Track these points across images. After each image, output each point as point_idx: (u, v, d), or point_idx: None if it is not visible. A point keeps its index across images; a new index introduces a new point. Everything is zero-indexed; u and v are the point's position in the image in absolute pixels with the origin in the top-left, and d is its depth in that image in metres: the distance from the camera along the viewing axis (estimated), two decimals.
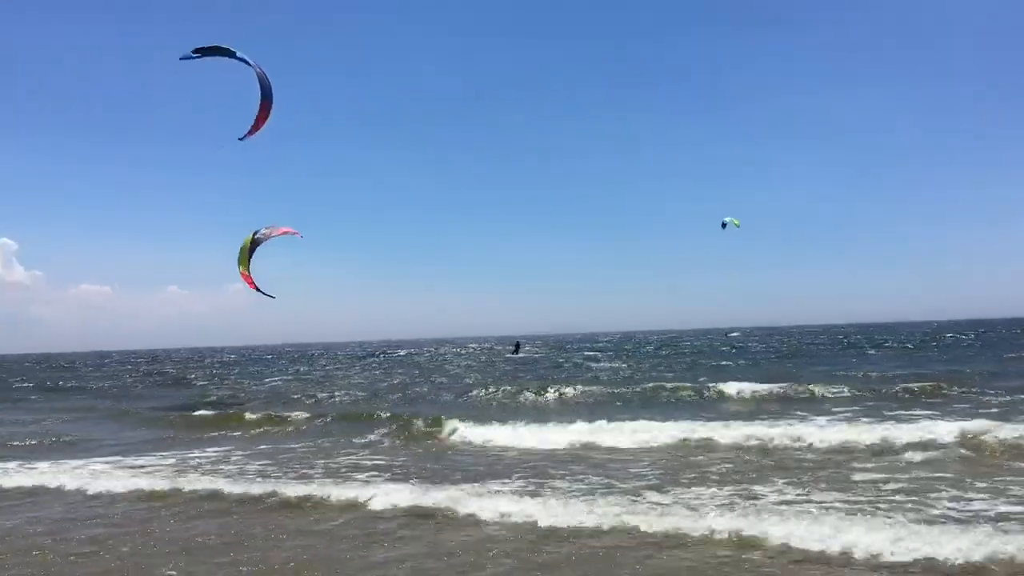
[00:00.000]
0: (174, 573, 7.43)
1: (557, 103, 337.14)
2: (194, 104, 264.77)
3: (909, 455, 11.63)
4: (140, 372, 55.81)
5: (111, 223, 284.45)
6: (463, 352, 75.04)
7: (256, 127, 11.38)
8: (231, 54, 10.81)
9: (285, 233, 13.65)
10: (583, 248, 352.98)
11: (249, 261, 13.58)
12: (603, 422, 15.77)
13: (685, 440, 14.01)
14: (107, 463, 14.18)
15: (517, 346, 66.80)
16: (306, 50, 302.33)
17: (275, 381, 38.23)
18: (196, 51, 10.85)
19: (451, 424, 16.63)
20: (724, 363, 40.02)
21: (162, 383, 42.28)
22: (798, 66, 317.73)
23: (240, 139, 11.42)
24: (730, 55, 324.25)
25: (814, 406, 18.80)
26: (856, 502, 9.00)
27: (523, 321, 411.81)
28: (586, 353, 59.92)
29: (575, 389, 24.73)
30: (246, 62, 11.09)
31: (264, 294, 13.98)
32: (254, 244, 13.50)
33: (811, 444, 13.01)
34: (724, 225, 29.95)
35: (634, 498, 9.61)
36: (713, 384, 23.80)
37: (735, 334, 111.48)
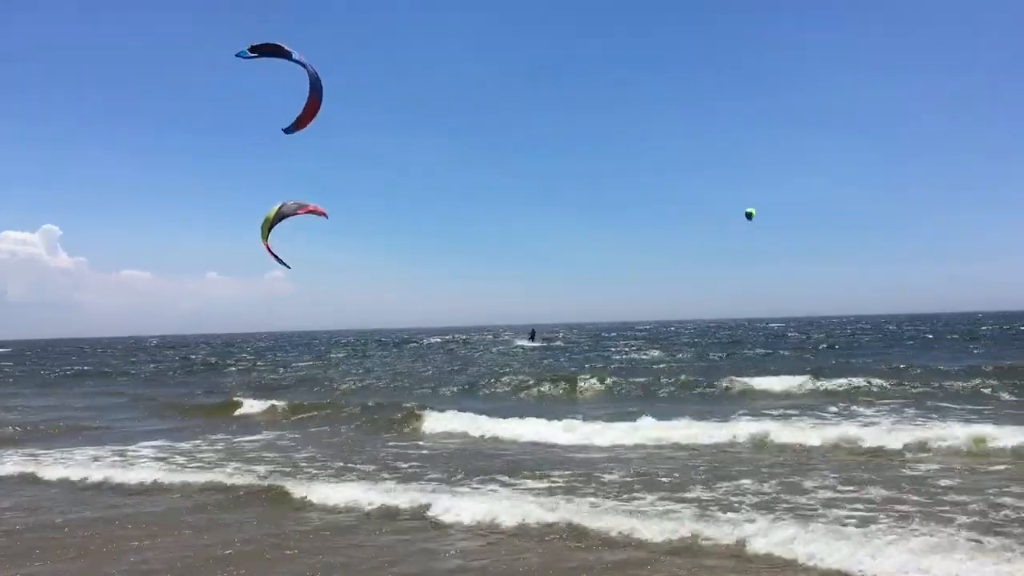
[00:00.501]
0: None
1: (587, 93, 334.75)
2: (235, 94, 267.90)
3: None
4: (196, 360, 52.92)
5: (153, 210, 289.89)
6: (498, 340, 75.03)
7: (303, 123, 11.25)
8: (287, 55, 10.76)
9: (312, 212, 13.28)
10: (615, 238, 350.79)
11: (269, 232, 13.09)
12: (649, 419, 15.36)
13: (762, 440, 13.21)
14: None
15: (532, 334, 66.59)
16: (337, 40, 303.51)
17: (314, 368, 38.59)
18: (252, 49, 10.74)
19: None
20: (781, 354, 39.14)
21: (222, 371, 42.74)
22: (835, 55, 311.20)
23: (285, 130, 11.22)
24: (761, 44, 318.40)
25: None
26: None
27: (551, 309, 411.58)
28: (629, 343, 59.18)
29: (627, 381, 24.51)
30: (302, 64, 10.89)
31: (281, 263, 13.45)
32: (279, 217, 13.07)
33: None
34: (750, 216, 29.14)
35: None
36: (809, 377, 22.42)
37: (776, 325, 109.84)
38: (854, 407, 17.05)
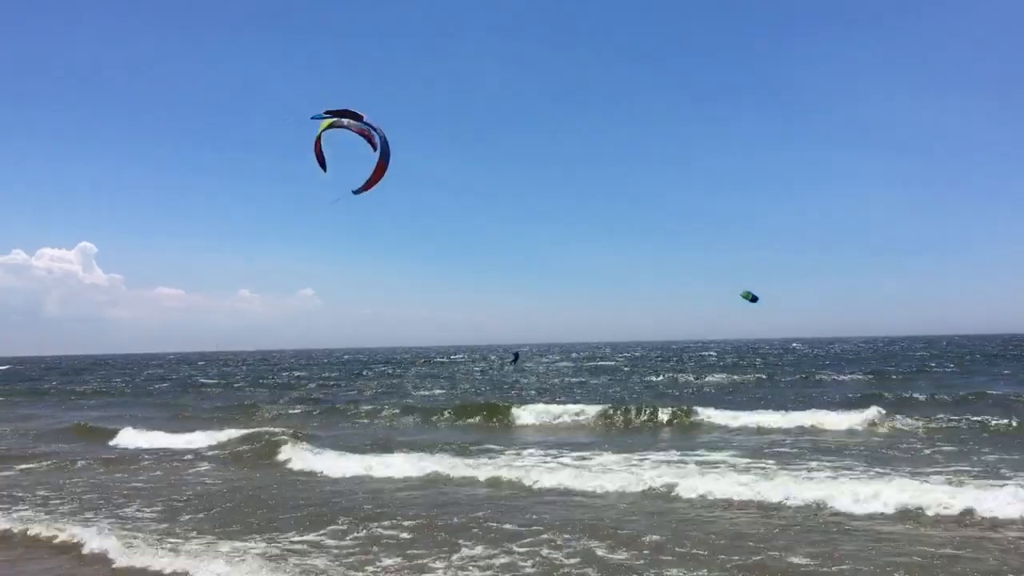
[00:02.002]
0: None
1: (616, 110, 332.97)
2: (269, 114, 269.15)
3: None
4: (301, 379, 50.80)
5: (186, 228, 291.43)
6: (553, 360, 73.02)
7: (372, 184, 11.84)
8: (359, 118, 11.50)
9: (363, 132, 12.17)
10: (646, 256, 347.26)
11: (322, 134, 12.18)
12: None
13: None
14: None
15: (516, 356, 65.92)
16: (365, 57, 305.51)
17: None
18: (327, 112, 11.60)
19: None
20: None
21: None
22: (872, 71, 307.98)
23: (355, 192, 11.84)
24: (799, 60, 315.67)
25: None
26: None
27: (579, 328, 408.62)
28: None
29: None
30: (372, 128, 11.58)
31: (322, 163, 12.31)
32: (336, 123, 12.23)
33: None
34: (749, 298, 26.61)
35: None
36: None
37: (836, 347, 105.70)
38: None
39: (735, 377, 38.95)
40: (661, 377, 41.24)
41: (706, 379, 38.56)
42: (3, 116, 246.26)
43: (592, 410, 22.61)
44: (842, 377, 37.05)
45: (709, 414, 20.98)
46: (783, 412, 20.55)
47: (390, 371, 59.44)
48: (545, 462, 14.64)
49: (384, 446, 17.35)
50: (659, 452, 15.47)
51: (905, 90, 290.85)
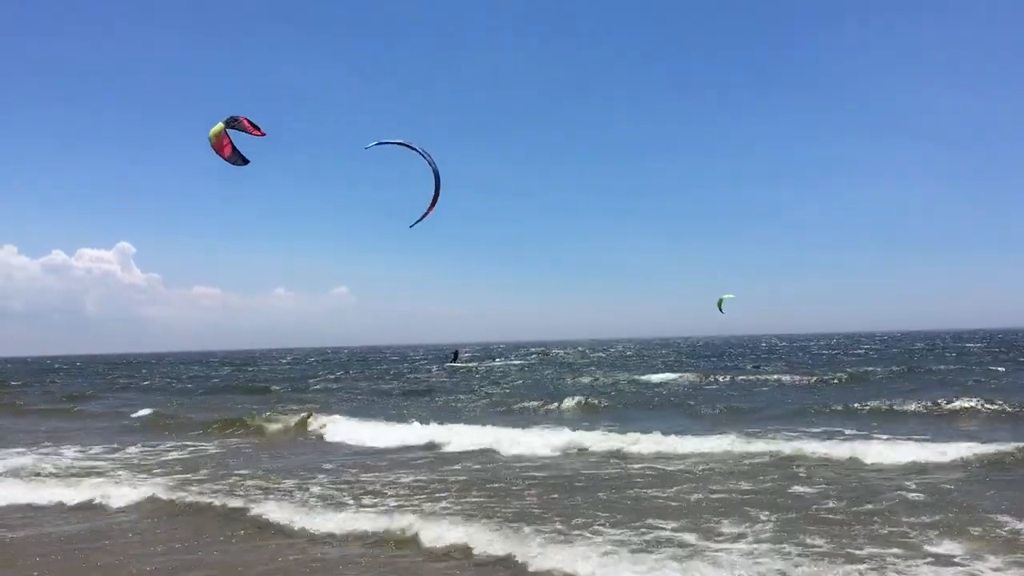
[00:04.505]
0: None
1: (656, 103, 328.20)
2: (303, 113, 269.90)
3: None
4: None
5: (222, 227, 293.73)
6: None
7: (425, 215, 12.32)
8: (412, 149, 12.06)
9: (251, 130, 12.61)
10: (689, 249, 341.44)
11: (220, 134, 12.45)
12: None
13: None
14: None
15: (455, 354, 65.22)
16: (397, 58, 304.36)
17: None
18: (380, 144, 12.12)
19: None
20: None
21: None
22: (912, 61, 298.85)
23: (410, 227, 12.38)
24: (837, 50, 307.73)
25: None
26: None
27: (617, 324, 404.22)
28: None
29: None
30: (424, 156, 12.04)
31: (239, 157, 12.40)
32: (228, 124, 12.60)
33: None
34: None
35: None
36: None
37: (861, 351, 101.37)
38: None
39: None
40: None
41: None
42: (44, 120, 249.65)
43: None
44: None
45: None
46: None
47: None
48: None
49: None
50: None
51: (944, 80, 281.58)
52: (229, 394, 34.54)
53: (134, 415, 23.64)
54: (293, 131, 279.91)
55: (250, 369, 64.35)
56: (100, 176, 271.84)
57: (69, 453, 15.88)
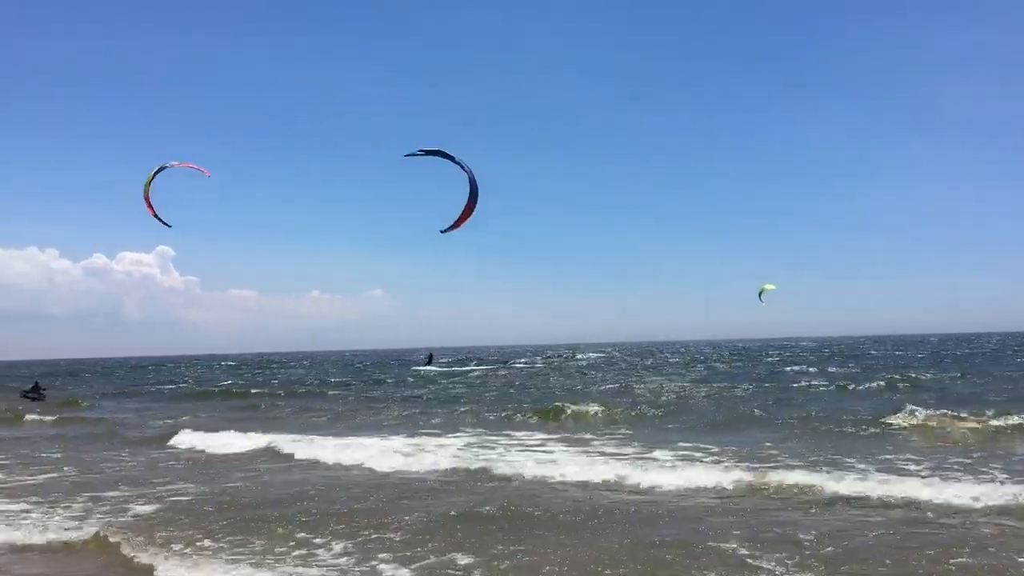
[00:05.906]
0: None
1: (695, 99, 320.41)
2: (341, 117, 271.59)
3: None
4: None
5: (258, 229, 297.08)
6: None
7: (459, 223, 12.28)
8: (451, 157, 12.02)
9: (191, 167, 14.85)
10: (728, 250, 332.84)
11: (148, 187, 14.65)
12: None
13: None
14: None
15: (430, 358, 64.73)
16: (449, 54, 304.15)
17: None
18: (422, 151, 12.12)
19: None
20: None
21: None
22: (966, 58, 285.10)
23: (442, 231, 12.36)
24: (882, 46, 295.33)
25: None
26: None
27: (670, 325, 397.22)
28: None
29: None
30: (462, 166, 12.03)
31: (161, 221, 15.02)
32: (158, 170, 14.62)
33: None
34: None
35: None
36: None
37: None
38: None
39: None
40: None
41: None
42: (81, 124, 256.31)
43: None
44: None
45: None
46: None
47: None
48: None
49: None
50: None
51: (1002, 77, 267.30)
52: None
53: None
54: (329, 133, 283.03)
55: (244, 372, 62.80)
56: (140, 178, 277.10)
57: None
